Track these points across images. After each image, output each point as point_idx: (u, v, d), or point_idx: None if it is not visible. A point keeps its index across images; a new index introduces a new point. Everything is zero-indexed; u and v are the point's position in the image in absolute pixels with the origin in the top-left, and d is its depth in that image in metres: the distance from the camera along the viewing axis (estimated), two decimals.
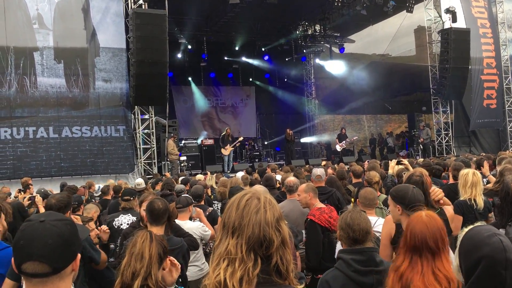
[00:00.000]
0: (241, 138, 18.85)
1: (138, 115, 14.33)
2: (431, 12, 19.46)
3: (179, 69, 21.50)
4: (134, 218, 5.14)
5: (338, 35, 24.02)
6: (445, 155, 17.35)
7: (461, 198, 4.66)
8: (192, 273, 4.79)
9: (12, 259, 1.55)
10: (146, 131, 14.47)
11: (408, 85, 25.80)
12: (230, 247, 1.66)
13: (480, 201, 4.59)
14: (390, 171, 6.87)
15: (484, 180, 6.12)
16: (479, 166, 7.13)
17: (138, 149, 14.30)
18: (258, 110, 25.38)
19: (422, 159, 13.49)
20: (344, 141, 20.30)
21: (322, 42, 24.59)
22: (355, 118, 27.39)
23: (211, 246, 5.43)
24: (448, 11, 18.09)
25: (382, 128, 27.02)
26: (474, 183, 4.62)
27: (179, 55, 21.39)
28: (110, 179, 12.38)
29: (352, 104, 24.48)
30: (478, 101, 19.70)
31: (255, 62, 24.12)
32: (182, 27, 19.49)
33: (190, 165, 17.21)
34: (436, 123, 20.09)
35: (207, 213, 5.66)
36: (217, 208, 6.72)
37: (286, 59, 24.65)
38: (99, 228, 4.16)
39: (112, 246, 4.96)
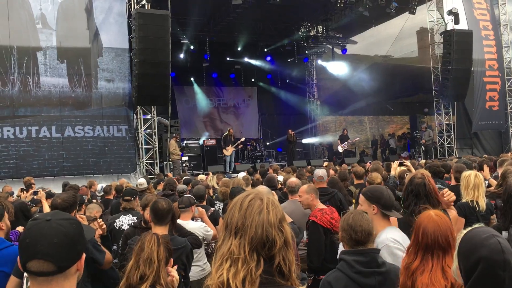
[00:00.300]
0: (243, 139, 18.86)
1: (140, 115, 14.35)
2: (433, 13, 19.45)
3: (182, 70, 21.53)
4: (135, 219, 5.15)
5: (341, 36, 24.04)
6: (447, 157, 17.33)
7: (463, 200, 4.66)
8: (194, 273, 4.80)
9: (18, 257, 1.56)
10: (148, 131, 14.49)
11: (410, 87, 25.76)
12: (233, 247, 1.67)
13: (482, 203, 4.58)
14: (392, 173, 6.87)
15: (486, 182, 6.11)
16: (481, 168, 7.12)
17: (140, 149, 14.32)
18: (260, 110, 25.40)
19: (424, 161, 13.48)
20: (345, 142, 20.29)
21: (324, 43, 24.61)
22: (357, 119, 27.38)
23: (213, 246, 5.44)
24: (450, 12, 18.08)
25: (384, 129, 26.99)
26: (476, 185, 4.61)
27: (182, 56, 21.43)
28: (121, 179, 12.45)
29: (354, 105, 24.46)
30: (480, 103, 19.68)
31: (257, 62, 24.15)
32: (184, 27, 19.53)
33: (192, 165, 17.23)
34: (438, 124, 20.07)
35: (209, 214, 5.67)
36: (219, 208, 6.73)
37: (289, 60, 24.69)
38: (94, 223, 4.14)
39: (114, 247, 4.97)
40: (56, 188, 9.87)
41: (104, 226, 4.30)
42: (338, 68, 25.12)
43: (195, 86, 23.51)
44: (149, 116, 14.48)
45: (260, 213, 1.69)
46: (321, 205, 4.71)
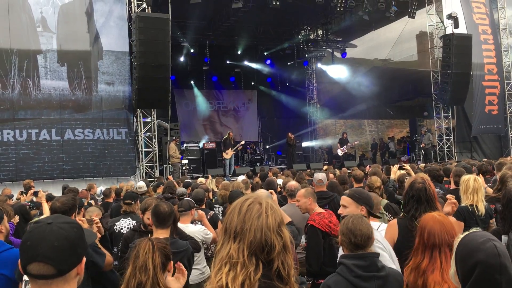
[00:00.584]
0: (242, 142, 18.87)
1: (140, 118, 14.36)
2: (433, 17, 19.49)
3: (182, 73, 21.56)
4: (134, 222, 5.15)
5: (340, 40, 24.09)
6: (446, 161, 17.33)
7: (462, 204, 4.65)
8: (193, 276, 4.79)
9: (19, 260, 1.57)
10: (148, 134, 14.49)
11: (410, 90, 25.80)
12: (232, 251, 1.67)
13: (482, 207, 4.57)
14: (392, 176, 6.88)
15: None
16: (480, 172, 7.13)
17: (140, 152, 14.32)
18: (260, 114, 25.42)
19: (423, 164, 13.49)
20: (345, 146, 20.30)
21: (324, 47, 24.66)
22: (356, 122, 27.39)
23: (213, 250, 5.44)
24: (450, 17, 18.12)
25: (383, 133, 27.01)
26: (475, 189, 4.61)
27: (182, 59, 21.48)
28: (130, 181, 12.45)
29: (354, 108, 24.49)
30: (479, 107, 19.70)
31: (257, 66, 24.20)
32: (185, 30, 19.57)
33: (191, 168, 17.22)
34: (437, 128, 20.09)
35: (208, 217, 5.67)
36: (219, 211, 6.73)
37: (288, 63, 24.73)
38: (81, 219, 4.12)
39: (115, 250, 4.97)
40: (56, 191, 9.89)
41: (100, 225, 4.29)
42: (338, 72, 25.16)
43: (195, 89, 23.54)
44: (149, 119, 14.49)
45: (259, 217, 1.70)
46: (319, 209, 4.71)
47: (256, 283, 1.63)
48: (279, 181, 8.08)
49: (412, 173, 6.38)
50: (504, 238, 3.25)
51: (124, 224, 5.23)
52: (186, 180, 9.84)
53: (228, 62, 23.55)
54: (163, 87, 13.52)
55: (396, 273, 2.80)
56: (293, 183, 5.98)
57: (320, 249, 4.36)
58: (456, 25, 17.98)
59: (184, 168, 16.16)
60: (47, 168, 13.07)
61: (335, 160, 20.97)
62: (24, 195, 8.40)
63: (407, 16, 18.74)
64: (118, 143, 14.03)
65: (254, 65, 24.13)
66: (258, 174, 11.50)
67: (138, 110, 14.25)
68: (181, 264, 2.68)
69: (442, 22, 19.05)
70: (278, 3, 15.77)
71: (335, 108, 25.13)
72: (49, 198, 6.60)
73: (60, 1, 13.55)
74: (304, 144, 24.61)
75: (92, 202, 8.72)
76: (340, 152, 20.36)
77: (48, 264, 1.51)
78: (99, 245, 3.74)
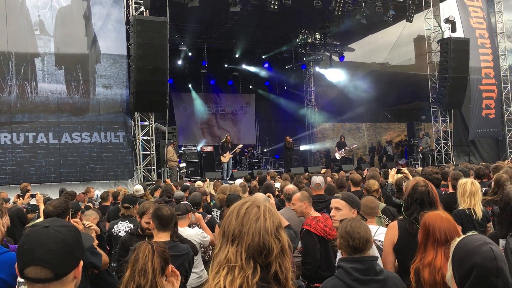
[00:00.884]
0: (240, 146, 18.87)
1: (138, 121, 14.34)
2: (430, 21, 19.56)
3: (180, 76, 21.56)
4: (132, 226, 5.14)
5: (338, 43, 24.16)
6: (444, 164, 17.36)
7: (460, 208, 4.66)
8: (191, 280, 4.77)
9: (16, 264, 1.56)
10: (145, 137, 14.48)
11: (407, 94, 25.87)
12: (229, 255, 1.67)
13: (479, 210, 4.58)
14: (390, 180, 6.88)
15: None
16: (478, 176, 7.13)
17: (138, 156, 14.31)
18: (257, 117, 25.44)
19: (421, 168, 13.50)
20: (343, 149, 20.32)
21: (322, 51, 24.71)
22: (354, 126, 27.44)
23: (210, 253, 5.43)
24: (447, 21, 18.20)
25: (381, 136, 27.06)
26: (472, 192, 4.61)
27: (180, 62, 21.50)
28: (122, 185, 12.42)
29: (352, 112, 24.54)
30: (476, 111, 19.76)
31: (255, 69, 24.24)
32: (183, 34, 19.59)
33: (189, 171, 17.21)
34: (435, 132, 20.13)
35: (206, 221, 5.66)
36: (217, 215, 6.72)
37: (286, 67, 24.78)
38: (76, 221, 4.11)
39: (113, 253, 4.97)
40: (53, 195, 9.86)
41: (94, 227, 4.28)
42: (335, 75, 25.22)
43: (193, 93, 23.54)
44: (146, 123, 14.49)
45: (257, 220, 1.70)
46: (315, 213, 4.69)
47: (254, 286, 1.62)
48: (277, 185, 8.08)
49: (410, 177, 6.39)
50: (502, 241, 3.25)
51: (122, 227, 5.24)
52: (184, 184, 9.82)
53: (226, 65, 23.58)
54: (161, 91, 13.51)
55: (395, 277, 2.80)
56: (290, 186, 5.98)
57: (316, 252, 4.35)
58: (453, 29, 18.05)
59: (182, 171, 16.15)
60: (44, 172, 13.04)
61: (333, 163, 21.00)
62: (21, 198, 8.38)
63: (404, 20, 18.80)
64: (115, 146, 14.01)
65: (252, 69, 24.17)
66: (257, 178, 11.50)
67: (136, 113, 14.24)
68: (173, 267, 2.67)
69: (440, 26, 19.13)
70: (276, 7, 15.80)
71: (333, 111, 25.17)
72: (48, 200, 6.57)
73: (58, 4, 13.55)
74: (302, 147, 24.64)
75: (90, 205, 8.72)
76: (338, 156, 20.38)
77: (45, 267, 1.50)
78: (95, 246, 3.72)
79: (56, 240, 1.53)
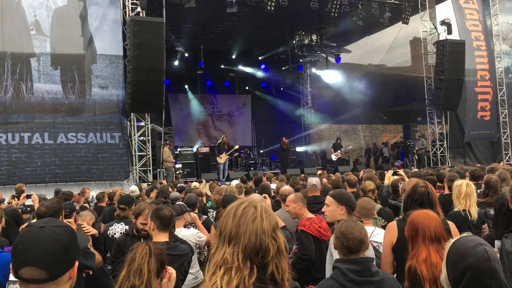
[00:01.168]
0: (236, 147, 18.86)
1: (134, 122, 14.32)
2: (426, 23, 19.62)
3: (176, 77, 21.54)
4: (127, 227, 5.12)
5: (335, 45, 24.18)
6: (439, 166, 17.41)
7: (455, 209, 4.67)
8: (186, 281, 4.76)
9: (11, 264, 1.54)
10: (141, 138, 14.45)
11: (403, 96, 25.93)
12: (226, 255, 1.67)
13: (474, 212, 4.59)
14: (386, 182, 6.89)
15: None
16: (473, 178, 7.15)
17: (134, 156, 14.28)
18: (254, 118, 25.44)
19: (416, 170, 13.53)
20: (339, 151, 20.35)
21: (319, 52, 24.75)
22: (350, 127, 27.48)
23: (205, 254, 5.42)
24: (443, 23, 18.26)
25: (377, 138, 27.11)
26: (467, 194, 4.62)
27: (176, 63, 21.46)
28: (118, 186, 12.38)
29: (348, 113, 24.58)
30: (472, 113, 19.84)
31: (251, 70, 24.23)
32: (179, 35, 19.57)
33: (185, 172, 17.19)
34: (431, 133, 20.18)
35: (201, 221, 5.66)
36: (212, 216, 6.71)
37: (283, 68, 24.81)
38: (70, 221, 4.09)
39: (108, 255, 4.95)
40: (48, 195, 9.81)
41: (90, 229, 4.26)
42: (332, 77, 25.25)
43: (189, 94, 23.53)
44: (142, 123, 14.46)
45: (254, 221, 1.70)
46: (309, 214, 4.69)
47: (251, 287, 1.62)
48: (273, 186, 8.08)
49: (406, 179, 6.40)
50: (497, 243, 3.26)
51: (118, 229, 5.21)
52: (179, 185, 9.80)
53: (222, 66, 23.58)
54: (157, 91, 13.49)
55: (391, 278, 2.80)
56: (286, 187, 5.98)
57: (312, 253, 4.36)
58: (449, 31, 18.12)
59: (177, 172, 16.12)
60: (40, 172, 12.99)
61: (329, 165, 21.01)
62: (16, 199, 8.34)
63: (401, 22, 18.85)
64: (111, 147, 13.97)
65: (248, 70, 24.17)
66: (253, 179, 11.50)
67: (132, 114, 14.21)
68: (169, 268, 2.67)
69: (436, 28, 19.19)
70: (272, 8, 15.81)
71: (329, 113, 25.20)
72: (43, 200, 6.55)
73: (54, 4, 13.51)
74: (298, 149, 24.66)
75: (87, 205, 8.69)
76: (334, 157, 20.41)
77: (40, 268, 1.49)
78: (89, 246, 3.71)
79: (51, 241, 1.52)
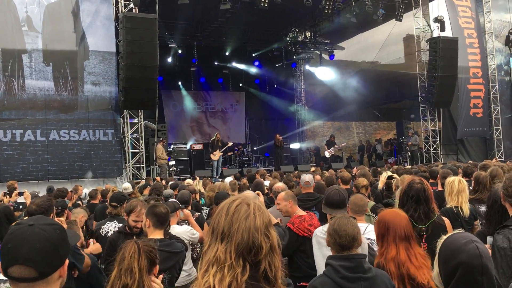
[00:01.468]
0: (230, 144, 18.84)
1: (127, 119, 14.25)
2: (420, 21, 19.67)
3: (169, 74, 21.47)
4: (120, 225, 5.09)
5: (328, 42, 24.21)
6: (432, 163, 17.49)
7: (447, 206, 4.68)
8: (180, 278, 4.75)
9: (0, 262, 1.53)
10: (135, 135, 14.39)
11: (397, 93, 26.03)
12: (219, 253, 1.66)
13: (466, 208, 4.60)
14: (380, 186, 6.90)
15: None
16: (466, 174, 7.19)
17: (127, 153, 14.22)
18: (247, 115, 25.42)
19: (409, 167, 13.59)
20: (332, 148, 20.39)
21: (312, 49, 24.76)
22: (344, 124, 27.54)
23: (198, 251, 5.41)
24: (436, 20, 18.31)
25: (371, 135, 27.19)
26: (460, 190, 4.64)
27: (169, 60, 21.38)
28: (111, 183, 12.32)
29: (342, 110, 24.64)
30: (464, 110, 19.93)
31: (245, 67, 24.18)
32: (172, 31, 19.49)
33: (179, 169, 17.14)
34: (424, 130, 20.27)
35: (194, 218, 5.64)
36: (206, 213, 6.69)
37: (277, 65, 24.78)
38: (60, 219, 4.07)
39: (101, 255, 4.91)
40: (41, 193, 9.75)
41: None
42: (325, 74, 25.27)
43: (183, 90, 23.46)
44: (136, 120, 14.39)
45: (247, 218, 1.69)
46: (300, 211, 4.68)
47: (243, 285, 1.62)
48: (266, 183, 8.08)
49: (399, 183, 6.42)
50: (489, 239, 3.28)
51: (111, 228, 5.17)
52: (171, 182, 9.77)
53: (216, 63, 23.51)
54: (150, 88, 13.43)
55: (383, 274, 2.81)
56: (280, 184, 5.98)
57: (290, 245, 4.38)
58: (442, 29, 18.17)
59: (171, 169, 16.08)
60: (32, 169, 12.91)
61: (323, 162, 21.05)
62: (8, 196, 8.28)
63: (394, 19, 18.90)
64: (104, 144, 13.91)
65: (242, 67, 24.13)
66: (246, 176, 11.49)
67: (125, 111, 14.14)
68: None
69: (429, 25, 19.24)
70: (266, 5, 15.79)
71: (323, 110, 25.24)
72: (34, 197, 6.51)
73: (46, 0, 13.41)
74: (292, 145, 24.69)
75: (80, 203, 8.65)
76: (327, 154, 20.45)
77: (29, 266, 1.47)
78: (79, 247, 3.69)
79: (41, 239, 1.50)
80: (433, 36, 18.61)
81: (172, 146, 18.05)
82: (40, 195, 8.15)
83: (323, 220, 4.65)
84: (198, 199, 8.06)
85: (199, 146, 19.78)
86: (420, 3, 19.04)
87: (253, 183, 7.54)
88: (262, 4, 15.73)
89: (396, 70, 26.06)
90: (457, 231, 2.09)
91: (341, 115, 25.31)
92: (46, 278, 1.51)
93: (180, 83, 23.22)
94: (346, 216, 2.92)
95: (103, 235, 5.12)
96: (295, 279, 4.26)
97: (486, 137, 20.98)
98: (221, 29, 20.28)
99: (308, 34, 23.22)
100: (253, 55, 23.74)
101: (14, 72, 12.87)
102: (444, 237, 2.02)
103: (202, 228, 5.52)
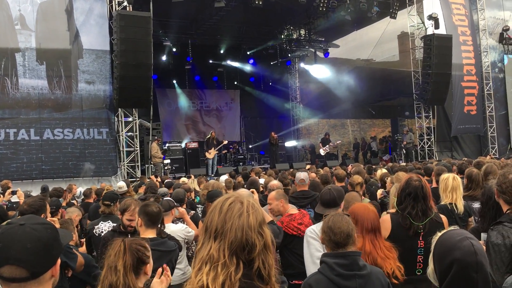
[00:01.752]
0: (225, 142, 18.83)
1: (121, 117, 14.20)
2: (414, 18, 19.71)
3: (164, 72, 21.40)
4: (115, 225, 5.07)
5: (323, 39, 24.21)
6: (427, 160, 17.55)
7: (442, 203, 4.69)
8: (175, 276, 4.73)
9: None
10: (129, 133, 14.34)
11: (391, 90, 26.06)
12: (212, 251, 1.65)
13: (461, 205, 4.62)
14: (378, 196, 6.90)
15: None
16: (460, 171, 7.21)
17: (121, 152, 14.16)
18: (242, 113, 25.40)
19: (404, 164, 13.62)
20: (327, 145, 20.42)
21: (307, 47, 24.76)
22: (339, 122, 27.58)
23: (193, 249, 5.40)
24: (430, 17, 18.35)
25: (365, 132, 27.24)
26: (454, 187, 4.65)
27: (164, 58, 21.31)
28: (106, 182, 12.29)
29: (336, 108, 24.65)
30: (458, 108, 20.00)
31: (240, 65, 24.16)
32: (167, 29, 19.43)
33: (174, 168, 17.12)
34: (418, 128, 20.32)
35: (189, 216, 5.63)
36: (201, 211, 6.69)
37: (271, 63, 24.77)
38: (53, 219, 4.05)
39: (94, 254, 4.89)
40: (35, 192, 9.71)
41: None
42: (320, 72, 25.28)
43: (177, 89, 23.41)
44: (130, 119, 14.34)
45: (240, 216, 1.68)
46: (292, 210, 4.68)
47: (237, 283, 1.61)
48: (261, 181, 8.08)
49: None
50: (483, 235, 3.29)
51: (104, 227, 5.13)
52: (167, 180, 9.75)
53: (210, 61, 23.47)
54: (145, 86, 13.39)
55: (378, 271, 2.81)
56: (274, 182, 5.99)
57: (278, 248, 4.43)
58: (436, 26, 18.22)
59: (166, 168, 16.05)
60: (26, 169, 12.85)
61: (318, 159, 21.07)
62: (1, 195, 8.24)
63: (388, 17, 18.93)
64: (99, 143, 13.86)
65: (237, 65, 24.10)
66: (241, 174, 11.48)
67: (120, 109, 14.09)
68: (167, 267, 2.66)
69: (423, 22, 19.28)
70: (261, 3, 15.77)
71: (318, 107, 25.26)
72: (28, 197, 6.47)
73: None
74: (287, 143, 24.69)
75: (75, 202, 8.62)
76: (322, 152, 20.47)
77: (20, 267, 1.46)
78: (72, 246, 3.67)
79: (32, 238, 1.48)
80: (427, 34, 18.65)
81: (167, 145, 18.01)
82: (33, 194, 8.11)
83: (317, 218, 4.65)
84: (193, 198, 8.05)
85: (194, 145, 19.75)
86: (414, 0, 19.08)
87: (248, 181, 7.53)
88: (257, 2, 15.71)
89: (390, 68, 26.10)
90: (451, 228, 2.09)
91: (336, 112, 25.34)
92: (37, 278, 1.49)
93: (174, 81, 23.16)
94: (340, 214, 2.92)
95: (96, 235, 5.09)
96: (289, 277, 4.25)
97: (480, 134, 21.07)
98: (216, 27, 20.23)
99: (302, 32, 23.20)
100: (248, 53, 23.71)
101: (7, 71, 12.79)
102: (439, 234, 2.02)
103: (197, 226, 5.51)
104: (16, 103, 12.93)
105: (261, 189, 7.44)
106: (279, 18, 20.69)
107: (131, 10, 13.38)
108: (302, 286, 2.74)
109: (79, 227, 5.96)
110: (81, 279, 3.85)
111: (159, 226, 3.77)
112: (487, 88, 20.97)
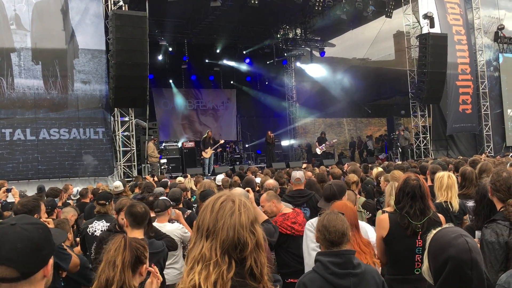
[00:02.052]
0: (222, 141, 18.81)
1: (117, 117, 14.16)
2: (409, 17, 19.75)
3: (160, 71, 21.37)
4: (109, 224, 5.05)
5: (319, 39, 24.23)
6: (423, 158, 17.60)
7: (437, 201, 4.71)
8: (171, 276, 4.75)
9: None
10: (126, 133, 14.32)
11: (387, 89, 26.12)
12: (204, 250, 1.65)
13: (456, 203, 4.63)
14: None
15: None
16: (457, 169, 7.23)
17: (118, 152, 14.13)
18: (239, 113, 25.39)
19: (400, 162, 13.65)
20: (323, 144, 20.44)
21: (303, 46, 24.76)
22: (335, 121, 27.62)
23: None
24: (426, 16, 18.39)
25: (362, 131, 27.29)
26: (449, 185, 4.66)
27: (160, 57, 21.27)
28: (103, 182, 12.26)
29: (333, 107, 24.69)
30: (453, 106, 20.05)
31: (236, 65, 24.14)
32: (163, 29, 19.40)
33: (170, 167, 17.10)
34: (414, 126, 20.37)
35: (186, 216, 5.63)
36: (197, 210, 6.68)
37: (267, 62, 24.77)
38: (47, 220, 4.03)
39: (88, 253, 4.88)
40: (31, 192, 9.69)
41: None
42: (316, 71, 25.31)
43: (174, 88, 23.37)
44: (126, 119, 14.31)
45: (232, 215, 1.68)
46: (285, 209, 4.69)
47: (229, 282, 1.61)
48: (258, 180, 8.08)
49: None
50: (477, 233, 3.31)
51: (98, 227, 5.10)
52: (163, 180, 9.74)
53: (207, 61, 23.46)
54: (141, 86, 13.36)
55: (373, 270, 2.82)
56: (271, 181, 5.99)
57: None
58: (432, 25, 18.26)
59: (162, 167, 16.04)
60: (22, 169, 12.81)
61: (314, 158, 21.09)
62: None
63: (384, 16, 18.96)
64: (95, 142, 13.83)
65: (233, 64, 24.09)
66: (237, 173, 11.48)
67: (116, 109, 14.06)
68: (156, 267, 2.66)
69: (418, 21, 19.31)
70: (257, 2, 15.76)
71: (314, 106, 25.28)
72: (23, 196, 6.45)
73: None
74: (284, 142, 24.70)
75: (71, 202, 8.60)
76: (318, 151, 20.50)
77: (10, 267, 1.45)
78: (65, 247, 3.66)
79: (22, 238, 1.48)
80: (422, 33, 18.69)
81: (163, 144, 17.99)
82: (29, 194, 8.09)
83: (314, 217, 4.66)
84: (190, 197, 8.05)
85: (190, 144, 19.73)
86: None
87: (244, 180, 7.53)
88: (253, 1, 15.70)
89: (386, 67, 26.16)
90: (446, 225, 2.10)
91: (332, 111, 25.37)
92: (28, 278, 1.49)
93: (171, 81, 23.12)
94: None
95: (90, 234, 5.07)
96: (284, 275, 4.27)
97: (476, 132, 21.13)
98: (212, 26, 20.22)
99: (298, 31, 23.22)
100: (244, 52, 23.70)
101: (2, 70, 12.74)
102: (434, 231, 2.03)
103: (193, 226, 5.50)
104: (12, 103, 12.88)
105: (257, 188, 7.45)
106: (275, 17, 20.70)
107: (127, 9, 13.34)
108: (296, 284, 2.75)
109: (75, 227, 5.94)
110: (77, 280, 3.84)
111: (146, 226, 3.75)
112: (482, 86, 21.04)
